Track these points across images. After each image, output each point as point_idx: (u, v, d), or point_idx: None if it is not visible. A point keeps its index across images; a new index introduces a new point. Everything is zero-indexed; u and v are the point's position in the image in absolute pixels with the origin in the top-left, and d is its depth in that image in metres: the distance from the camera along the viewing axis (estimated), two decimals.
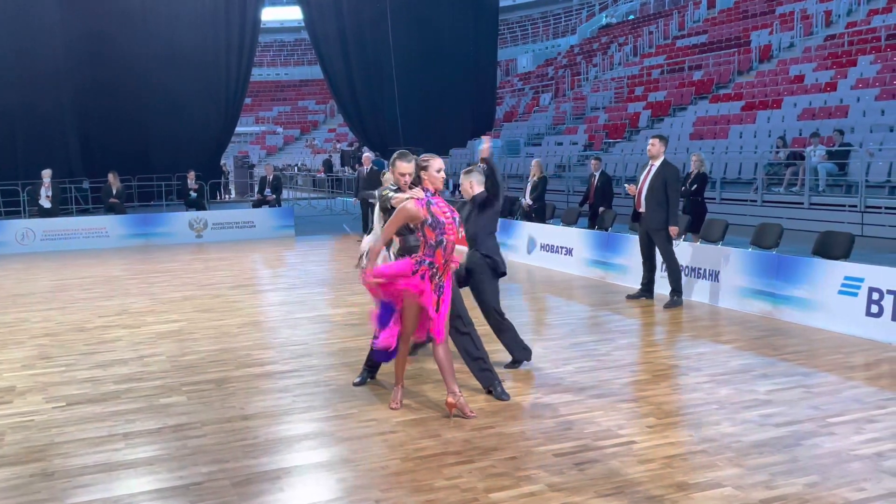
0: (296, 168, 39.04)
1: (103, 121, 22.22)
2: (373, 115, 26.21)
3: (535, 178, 13.91)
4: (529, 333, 8.16)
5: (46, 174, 17.80)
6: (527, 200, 14.12)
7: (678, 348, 7.25)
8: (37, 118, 21.33)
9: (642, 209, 9.06)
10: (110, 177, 18.57)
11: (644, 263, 9.47)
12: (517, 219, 14.43)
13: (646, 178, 9.07)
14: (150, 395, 6.06)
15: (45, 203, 17.67)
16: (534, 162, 14.24)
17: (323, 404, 5.77)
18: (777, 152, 16.33)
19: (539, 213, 13.88)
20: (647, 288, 9.52)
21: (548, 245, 12.57)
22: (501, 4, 32.66)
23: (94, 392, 6.19)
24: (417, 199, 5.21)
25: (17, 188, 18.88)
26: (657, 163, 9.06)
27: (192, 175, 19.79)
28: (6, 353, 7.55)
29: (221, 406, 5.77)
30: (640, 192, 9.07)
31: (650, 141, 9.26)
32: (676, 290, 9.11)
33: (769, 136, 17.84)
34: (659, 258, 9.34)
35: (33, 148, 21.12)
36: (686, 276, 9.72)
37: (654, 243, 9.17)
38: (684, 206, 12.60)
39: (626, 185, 9.72)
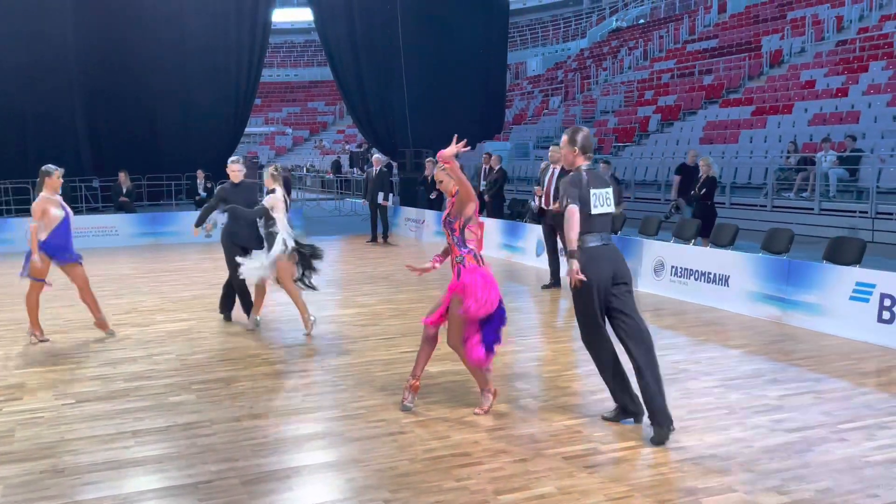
0: (305, 169, 39.10)
1: (113, 121, 22.24)
2: (382, 116, 26.15)
3: None
4: (538, 335, 8.15)
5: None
6: (536, 203, 14.06)
7: (688, 352, 7.22)
8: (48, 117, 21.39)
9: (551, 206, 10.25)
10: (121, 176, 18.63)
11: (550, 255, 10.89)
12: (526, 221, 14.40)
13: (551, 180, 10.37)
14: (160, 394, 6.07)
15: None
16: (543, 164, 14.14)
17: (332, 404, 5.76)
18: (788, 157, 16.27)
19: None
20: (557, 277, 10.79)
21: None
22: (512, 7, 32.58)
23: (104, 390, 6.20)
24: None
25: (27, 186, 18.94)
26: (558, 167, 10.21)
27: (201, 175, 19.82)
28: (16, 349, 7.57)
29: (231, 405, 5.77)
30: (548, 193, 10.40)
31: (552, 148, 10.59)
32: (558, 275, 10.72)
33: (780, 140, 17.76)
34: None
35: (44, 146, 21.15)
36: (696, 280, 9.69)
37: (556, 236, 10.35)
38: (694, 210, 12.56)
39: (535, 186, 11.31)
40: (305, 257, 7.89)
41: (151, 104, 22.55)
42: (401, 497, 4.18)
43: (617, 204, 6.08)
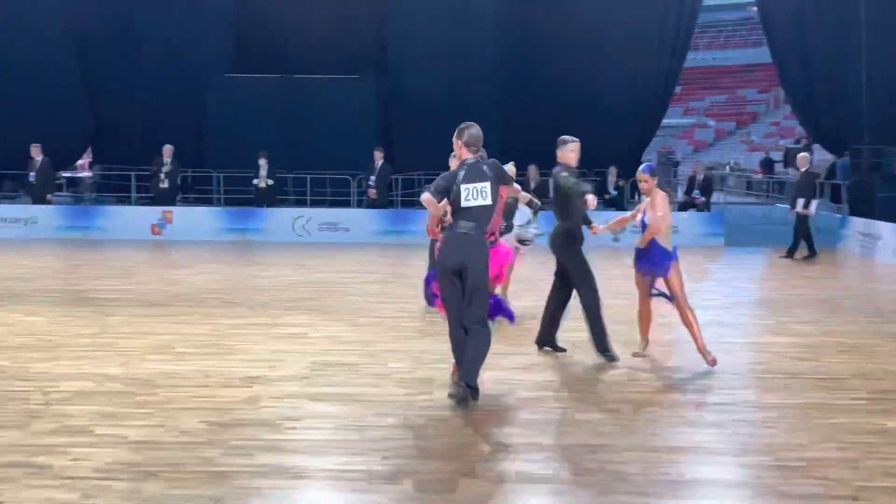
0: (727, 167, 38.10)
1: (526, 111, 23.75)
2: (830, 106, 24.33)
3: None
4: None
5: None
6: None
7: None
8: (465, 101, 23.41)
9: None
10: (530, 170, 19.86)
11: None
12: None
13: None
14: (565, 408, 6.35)
15: None
16: None
17: (760, 449, 5.47)
18: None
19: None
20: None
21: None
22: None
23: (511, 396, 6.67)
24: None
25: (418, 177, 21.23)
26: None
27: (613, 172, 20.33)
28: (427, 341, 8.46)
29: (642, 431, 5.81)
30: None
31: None
32: None
33: None
34: None
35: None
36: None
37: None
38: None
39: None
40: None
41: (562, 89, 23.46)
42: None
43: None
